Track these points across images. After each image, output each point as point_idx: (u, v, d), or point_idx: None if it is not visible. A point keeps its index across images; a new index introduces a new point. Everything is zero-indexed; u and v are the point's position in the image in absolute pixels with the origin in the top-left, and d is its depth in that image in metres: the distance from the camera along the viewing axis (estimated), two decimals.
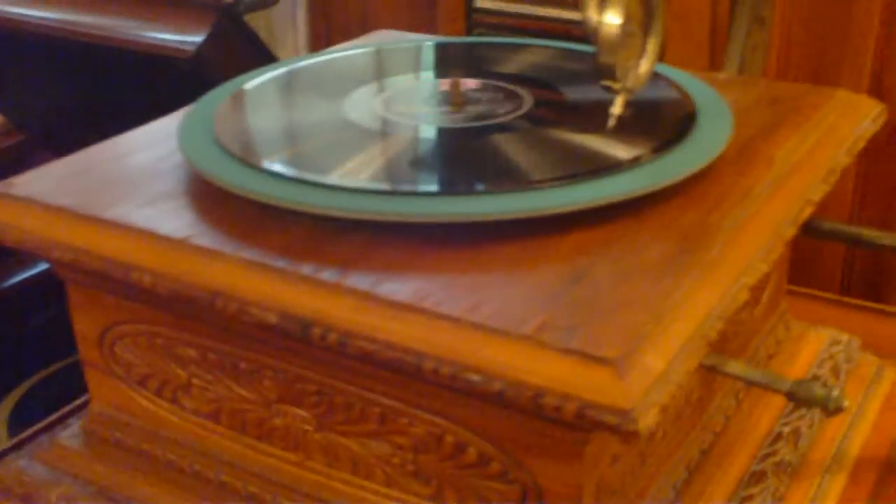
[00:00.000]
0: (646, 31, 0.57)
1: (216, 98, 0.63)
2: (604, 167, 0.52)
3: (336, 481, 0.54)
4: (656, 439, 0.54)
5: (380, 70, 0.69)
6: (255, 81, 0.66)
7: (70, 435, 0.63)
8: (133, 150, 0.61)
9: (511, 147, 0.56)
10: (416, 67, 0.70)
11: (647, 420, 0.39)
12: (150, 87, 1.03)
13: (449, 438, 0.49)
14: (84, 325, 0.59)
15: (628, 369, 0.40)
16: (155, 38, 0.94)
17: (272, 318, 0.46)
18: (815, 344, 0.72)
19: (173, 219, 0.52)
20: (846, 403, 0.43)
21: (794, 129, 0.60)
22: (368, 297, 0.45)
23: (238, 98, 0.63)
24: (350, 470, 0.53)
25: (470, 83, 0.65)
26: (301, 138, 0.59)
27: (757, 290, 0.64)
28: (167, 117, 0.65)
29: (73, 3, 0.95)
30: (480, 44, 0.78)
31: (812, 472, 0.61)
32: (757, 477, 0.60)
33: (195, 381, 0.56)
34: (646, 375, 0.40)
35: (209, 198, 0.54)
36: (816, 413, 0.65)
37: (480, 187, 0.51)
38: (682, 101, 0.61)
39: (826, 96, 0.65)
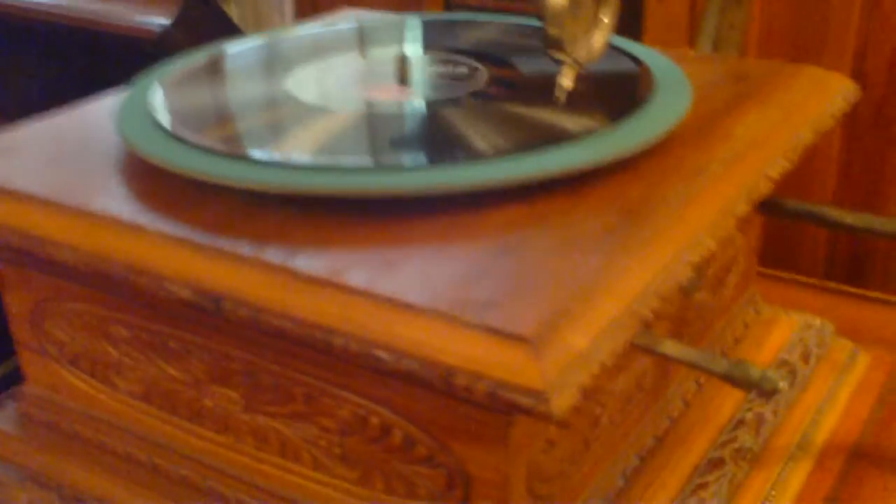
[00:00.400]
0: (599, 1, 0.54)
1: (161, 75, 0.61)
2: (549, 140, 0.50)
3: (266, 465, 0.52)
4: (602, 424, 0.51)
5: (329, 48, 0.66)
6: (198, 60, 0.64)
7: (3, 418, 0.61)
8: (69, 128, 0.59)
9: (454, 121, 0.53)
10: (368, 45, 0.68)
11: (563, 402, 0.36)
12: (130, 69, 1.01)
13: (374, 420, 0.46)
14: (15, 303, 0.57)
15: (545, 348, 0.37)
16: (123, 20, 0.93)
17: (185, 293, 0.44)
18: (786, 329, 0.69)
19: (99, 195, 0.50)
20: (782, 384, 0.40)
21: (758, 104, 0.58)
22: (282, 271, 0.43)
23: (179, 76, 0.61)
24: (279, 453, 0.51)
25: (420, 59, 0.62)
26: (236, 115, 0.57)
27: (722, 271, 0.62)
28: (109, 96, 0.63)
29: None
30: (442, 21, 0.75)
31: (774, 459, 0.59)
32: (714, 464, 0.57)
33: (126, 360, 0.54)
34: (565, 354, 0.37)
35: (140, 174, 0.52)
36: (782, 398, 0.63)
37: (412, 161, 0.49)
38: (640, 75, 0.59)
39: (795, 73, 0.62)
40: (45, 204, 0.50)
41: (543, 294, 0.40)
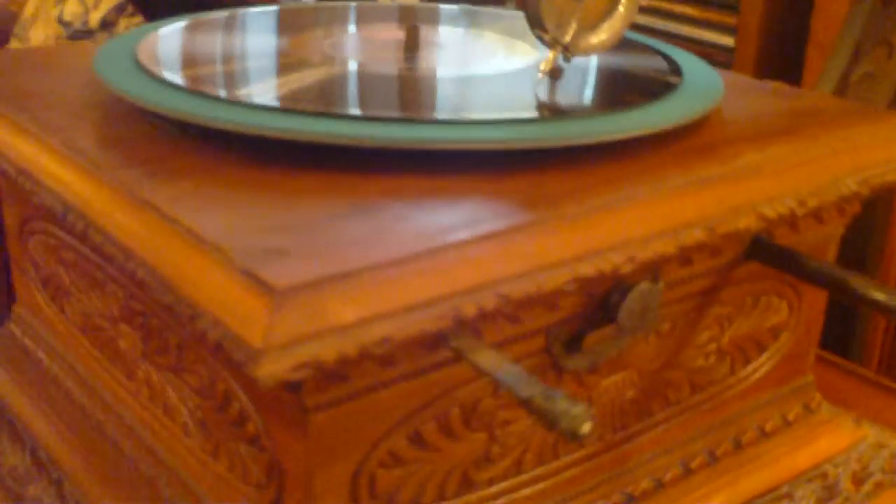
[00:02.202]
0: None
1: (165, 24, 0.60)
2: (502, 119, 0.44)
3: (155, 421, 0.49)
4: (493, 460, 0.43)
5: (340, 19, 0.63)
6: (203, 17, 0.62)
7: None
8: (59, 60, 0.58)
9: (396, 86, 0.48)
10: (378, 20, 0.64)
11: (275, 368, 0.30)
12: None
13: (220, 387, 0.42)
14: (8, 217, 0.58)
15: (292, 307, 0.31)
16: None
17: (53, 204, 0.42)
18: (845, 438, 0.56)
19: (58, 118, 0.49)
20: (586, 429, 0.31)
21: (800, 137, 0.48)
22: (127, 194, 0.39)
23: (180, 27, 0.60)
24: (163, 410, 0.48)
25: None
26: (217, 61, 0.54)
27: (744, 340, 0.52)
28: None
29: None
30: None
31: None
32: None
33: (73, 288, 0.53)
34: (313, 321, 0.31)
35: (104, 108, 0.50)
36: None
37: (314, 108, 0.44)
38: (658, 78, 0.51)
39: (876, 119, 0.51)
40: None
41: (344, 256, 0.34)
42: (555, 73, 0.47)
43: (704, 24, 0.89)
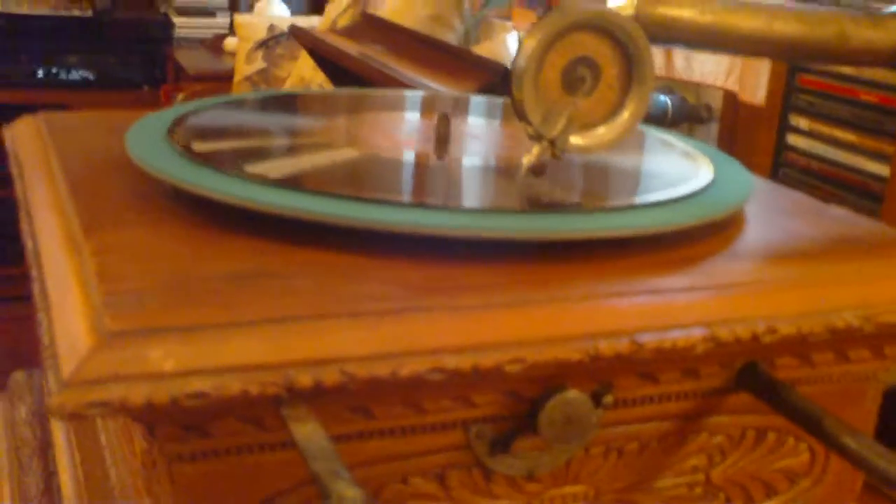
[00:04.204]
0: (623, 92, 0.46)
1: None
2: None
3: None
4: None
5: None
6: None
7: None
8: None
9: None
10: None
11: (64, 399, 0.31)
12: None
13: None
14: None
15: (119, 349, 0.33)
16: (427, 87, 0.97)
17: None
18: None
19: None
20: None
21: (802, 256, 0.43)
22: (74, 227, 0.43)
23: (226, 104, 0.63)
24: None
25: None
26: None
27: (747, 478, 0.47)
28: None
29: None
30: None
31: None
32: None
33: None
34: (124, 362, 0.32)
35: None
36: None
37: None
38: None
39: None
40: None
41: (193, 313, 0.35)
42: (537, 170, 0.45)
43: (862, 152, 0.82)
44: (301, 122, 0.61)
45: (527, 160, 0.45)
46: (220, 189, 0.43)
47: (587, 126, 0.46)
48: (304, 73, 1.86)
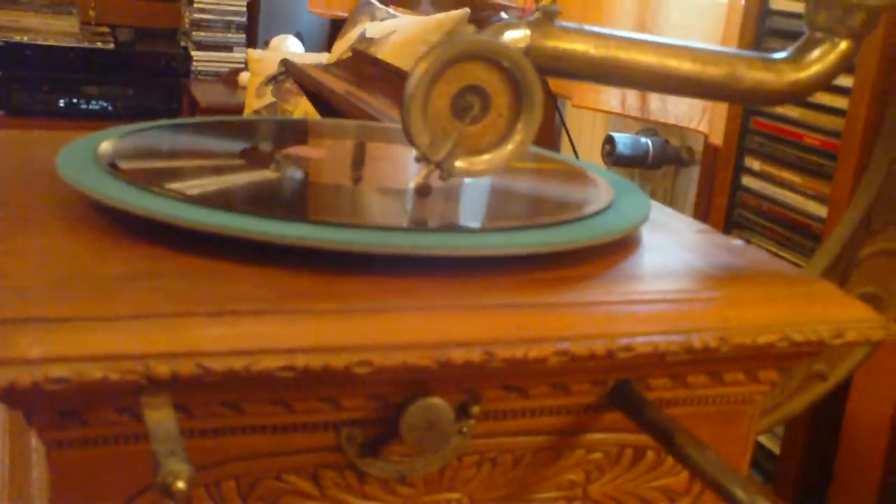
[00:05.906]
0: (513, 120, 0.48)
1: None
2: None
3: None
4: None
5: None
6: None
7: None
8: None
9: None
10: None
11: None
12: None
13: None
14: None
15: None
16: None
17: None
18: None
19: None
20: (180, 486, 0.31)
21: (689, 285, 0.45)
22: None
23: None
24: None
25: None
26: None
27: None
28: None
29: None
30: None
31: None
32: None
33: None
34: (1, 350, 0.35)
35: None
36: None
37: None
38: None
39: (803, 283, 0.47)
40: None
41: (70, 305, 0.38)
42: (422, 191, 0.48)
43: (805, 194, 0.84)
44: (235, 145, 0.64)
45: (415, 181, 0.48)
46: (116, 197, 0.46)
47: (475, 151, 0.48)
48: (308, 108, 1.90)
